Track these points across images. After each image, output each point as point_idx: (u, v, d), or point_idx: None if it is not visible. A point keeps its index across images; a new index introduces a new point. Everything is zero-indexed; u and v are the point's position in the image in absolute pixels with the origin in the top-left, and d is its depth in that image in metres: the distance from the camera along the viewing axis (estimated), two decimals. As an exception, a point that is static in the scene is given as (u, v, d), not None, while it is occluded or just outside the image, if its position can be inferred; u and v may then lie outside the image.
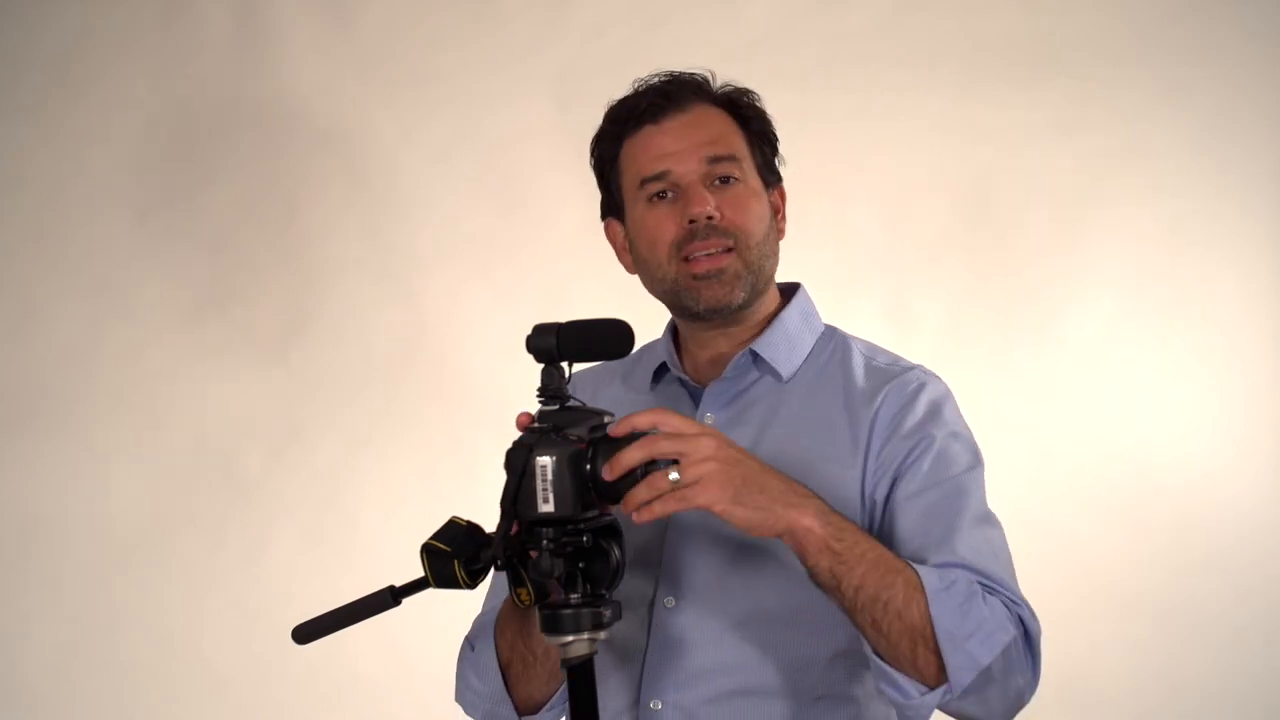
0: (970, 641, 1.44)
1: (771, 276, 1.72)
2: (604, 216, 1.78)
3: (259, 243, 3.00)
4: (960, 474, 1.61)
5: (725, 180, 1.67)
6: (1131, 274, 2.98)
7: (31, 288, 2.98)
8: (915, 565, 1.48)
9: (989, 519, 1.61)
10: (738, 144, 1.70)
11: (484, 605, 1.78)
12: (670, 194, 1.66)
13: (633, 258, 1.74)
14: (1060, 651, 2.90)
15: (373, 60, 3.02)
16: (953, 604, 1.45)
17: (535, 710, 1.69)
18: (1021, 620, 1.51)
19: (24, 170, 2.99)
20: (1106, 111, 2.97)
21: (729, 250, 1.65)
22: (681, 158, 1.66)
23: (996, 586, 1.52)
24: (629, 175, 1.70)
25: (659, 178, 1.66)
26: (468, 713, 1.74)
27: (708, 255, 1.64)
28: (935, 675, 1.45)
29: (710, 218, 1.64)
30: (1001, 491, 2.81)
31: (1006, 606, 1.50)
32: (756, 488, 1.41)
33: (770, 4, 3.00)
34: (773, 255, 1.71)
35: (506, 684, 1.67)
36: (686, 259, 1.65)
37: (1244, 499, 2.94)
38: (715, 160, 1.66)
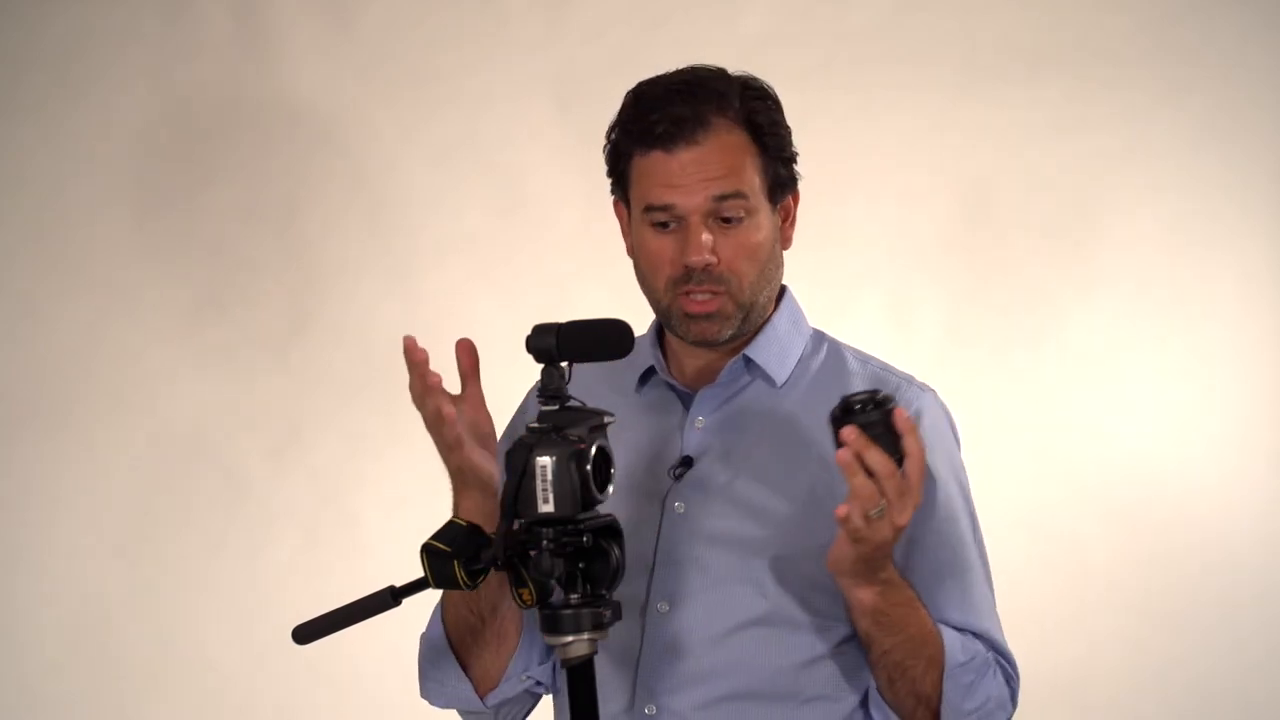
0: (970, 718, 1.58)
1: (769, 300, 1.70)
2: (613, 192, 1.74)
3: (259, 243, 3.00)
4: (965, 517, 1.67)
5: (728, 220, 1.63)
6: (1132, 274, 2.98)
7: (31, 288, 2.98)
8: (945, 634, 1.58)
9: (984, 562, 1.70)
10: (749, 176, 1.65)
11: None
12: (672, 225, 1.64)
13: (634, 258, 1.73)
14: (1060, 652, 2.91)
15: (373, 60, 3.02)
16: (964, 681, 1.57)
17: (495, 684, 1.69)
18: (1012, 694, 1.65)
19: (24, 170, 2.99)
20: (1106, 111, 2.97)
21: (718, 294, 1.63)
22: (689, 191, 1.61)
23: (1003, 660, 1.64)
24: (636, 191, 1.67)
25: (664, 209, 1.63)
26: (432, 704, 1.74)
27: (701, 300, 1.63)
28: None
29: (707, 265, 1.62)
30: (1002, 492, 2.83)
31: (1008, 682, 1.63)
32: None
33: (770, 4, 3.00)
34: (768, 284, 1.68)
35: (463, 666, 1.67)
36: (682, 294, 1.64)
37: (1245, 500, 2.94)
38: (721, 198, 1.62)
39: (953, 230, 2.98)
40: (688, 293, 1.63)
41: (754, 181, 1.65)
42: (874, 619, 1.54)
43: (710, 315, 1.64)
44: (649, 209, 1.64)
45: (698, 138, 1.62)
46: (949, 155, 2.98)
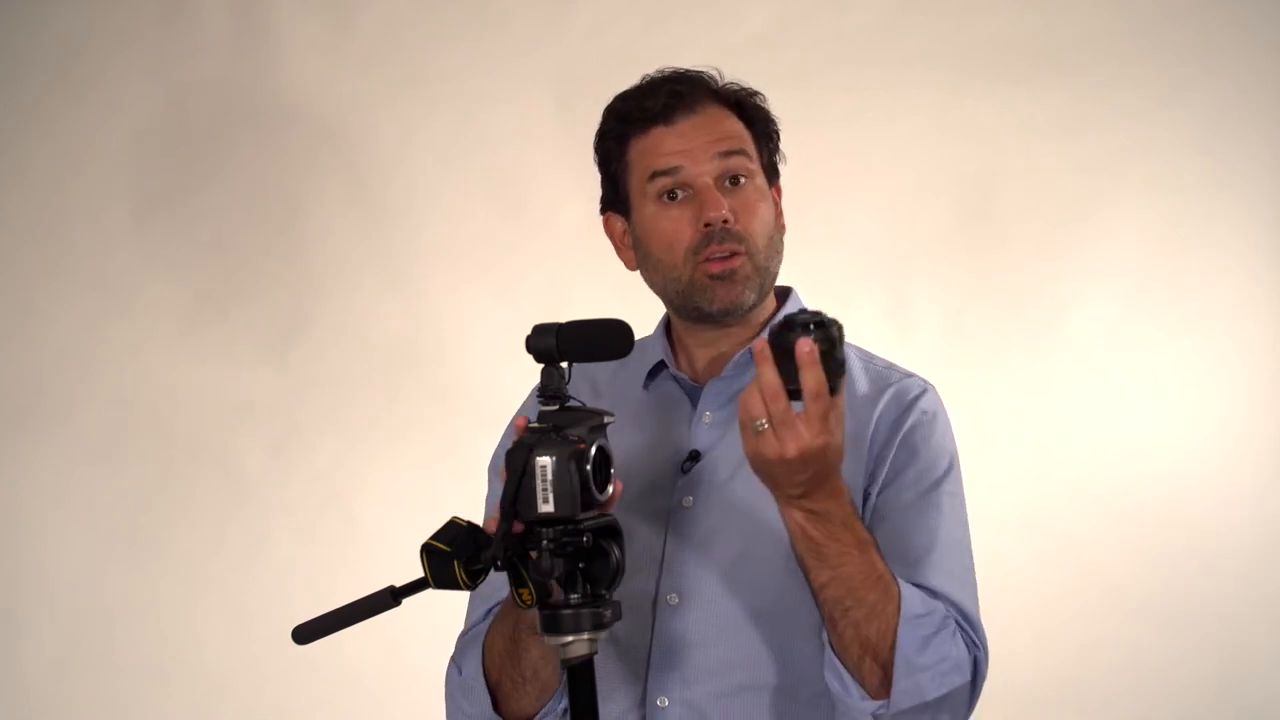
0: (924, 674, 1.51)
1: (776, 274, 1.73)
2: (604, 211, 1.79)
3: (259, 243, 3.00)
4: (944, 496, 1.65)
5: (735, 181, 1.68)
6: (1132, 273, 2.98)
7: (31, 288, 2.98)
8: (903, 585, 1.52)
9: (964, 541, 1.66)
10: (747, 142, 1.71)
11: (466, 621, 1.78)
12: (681, 194, 1.67)
13: (639, 255, 1.74)
14: (1060, 651, 2.91)
15: (373, 60, 3.02)
16: (920, 633, 1.51)
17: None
18: (976, 662, 1.58)
19: (24, 170, 2.99)
20: (1107, 111, 2.97)
21: (740, 253, 1.66)
22: (694, 156, 1.67)
23: (965, 624, 1.58)
24: (638, 172, 1.70)
25: (670, 173, 1.67)
26: None
27: (721, 258, 1.65)
28: (877, 689, 1.52)
29: (725, 221, 1.65)
30: (1001, 491, 2.83)
31: (968, 647, 1.57)
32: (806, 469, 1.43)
33: (770, 4, 3.01)
34: (778, 254, 1.72)
35: (497, 702, 1.67)
36: (703, 261, 1.66)
37: (1245, 499, 2.94)
38: (727, 154, 1.67)
39: (953, 230, 2.99)
40: (708, 258, 1.65)
41: (752, 150, 1.71)
42: (805, 546, 1.49)
43: (733, 274, 1.66)
44: (655, 176, 1.68)
45: (696, 109, 1.69)
46: (949, 155, 2.98)
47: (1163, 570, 2.92)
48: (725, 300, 1.66)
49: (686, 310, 1.71)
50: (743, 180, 1.68)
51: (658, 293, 1.75)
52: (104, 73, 2.99)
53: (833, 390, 1.39)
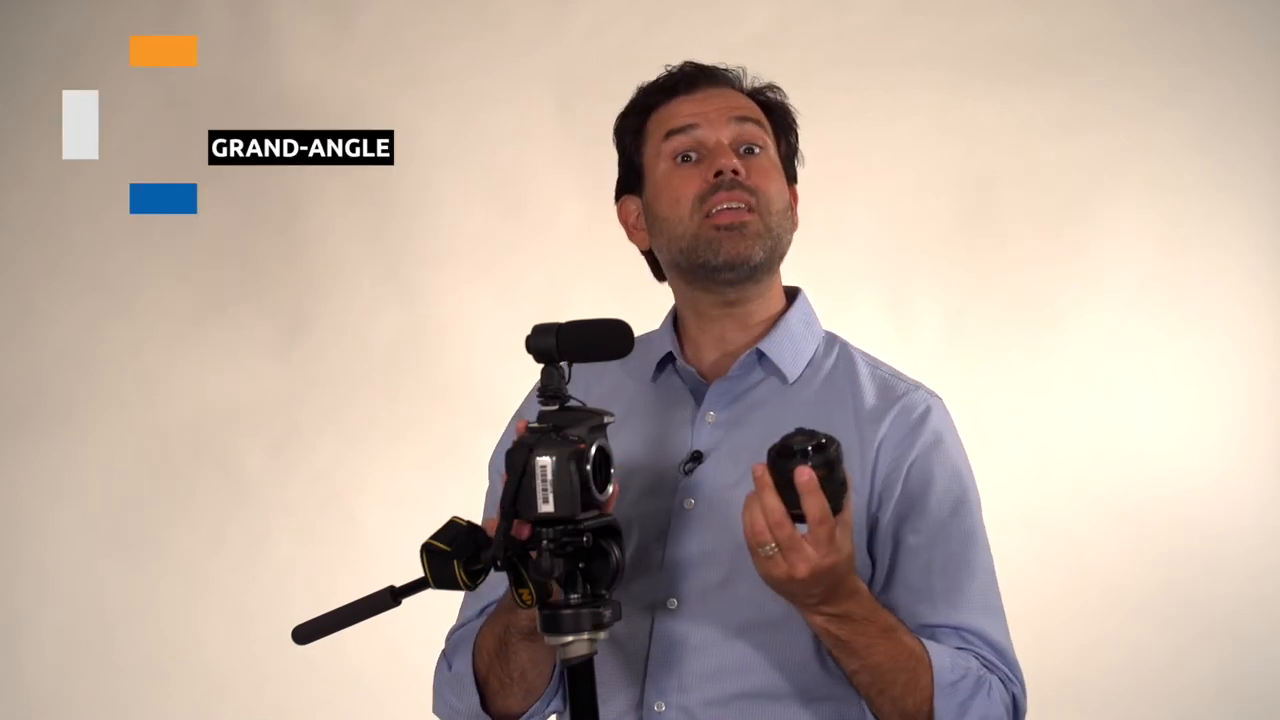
0: None
1: (784, 254, 1.72)
2: (618, 197, 1.78)
3: (259, 243, 3.00)
4: (965, 520, 1.65)
5: (750, 151, 1.69)
6: (1132, 274, 2.98)
7: (31, 288, 2.98)
8: (931, 651, 1.54)
9: (988, 568, 1.66)
10: (764, 120, 1.73)
11: (459, 617, 1.77)
12: (696, 156, 1.68)
13: (649, 224, 1.73)
14: (1060, 651, 2.91)
15: (373, 60, 3.02)
16: (956, 700, 1.53)
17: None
18: (1014, 700, 1.59)
19: (24, 170, 2.99)
20: (1107, 111, 2.97)
21: (750, 209, 1.66)
22: (710, 119, 1.69)
23: (999, 663, 1.60)
24: (654, 137, 1.71)
25: (685, 130, 1.68)
26: None
27: (731, 209, 1.65)
28: None
29: (736, 172, 1.65)
30: (1002, 492, 2.82)
31: (1005, 684, 1.58)
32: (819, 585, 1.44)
33: (770, 4, 3.01)
34: (789, 233, 1.72)
35: (484, 698, 1.67)
36: (708, 214, 1.66)
37: (1245, 499, 2.94)
38: (743, 120, 1.69)
39: (953, 230, 2.99)
40: (714, 207, 1.65)
41: (769, 129, 1.73)
42: (832, 643, 1.52)
43: (743, 226, 1.65)
44: (670, 135, 1.69)
45: (718, 84, 1.72)
46: (949, 155, 2.98)
47: (1163, 570, 2.92)
48: (732, 252, 1.65)
49: (692, 270, 1.69)
50: (757, 150, 1.69)
51: (665, 262, 1.73)
52: (104, 73, 2.99)
53: (836, 509, 1.39)
